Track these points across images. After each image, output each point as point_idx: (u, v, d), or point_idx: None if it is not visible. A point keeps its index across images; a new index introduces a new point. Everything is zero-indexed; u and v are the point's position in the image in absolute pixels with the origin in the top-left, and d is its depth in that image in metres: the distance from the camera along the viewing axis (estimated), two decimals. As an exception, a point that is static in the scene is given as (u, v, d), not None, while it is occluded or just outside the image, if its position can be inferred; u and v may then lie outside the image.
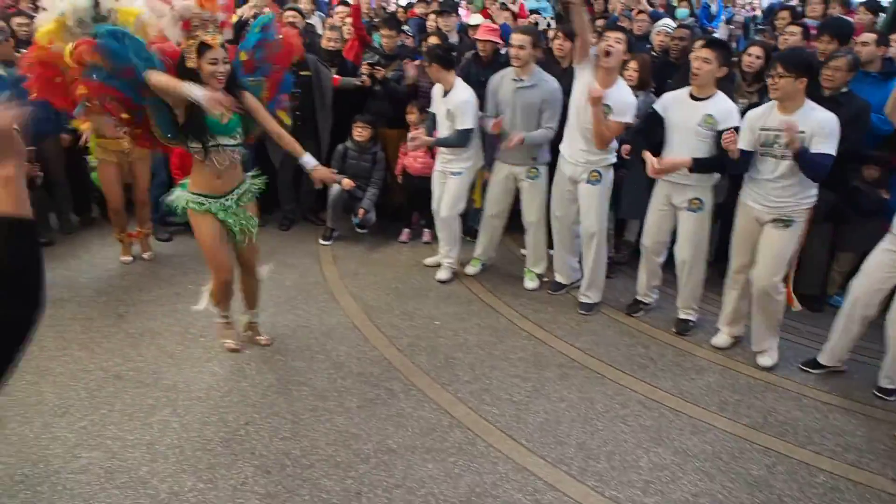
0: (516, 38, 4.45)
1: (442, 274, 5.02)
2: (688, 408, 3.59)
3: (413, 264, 5.32)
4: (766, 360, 3.98)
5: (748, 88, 4.68)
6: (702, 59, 3.85)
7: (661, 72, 5.16)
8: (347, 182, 5.21)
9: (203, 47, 3.13)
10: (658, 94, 4.67)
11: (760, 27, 9.49)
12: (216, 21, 3.20)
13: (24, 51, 5.05)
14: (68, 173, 5.66)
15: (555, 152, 4.66)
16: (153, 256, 5.27)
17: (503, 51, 5.36)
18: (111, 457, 3.06)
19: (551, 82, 4.52)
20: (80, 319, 4.26)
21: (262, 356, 3.91)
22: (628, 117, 4.20)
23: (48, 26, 4.40)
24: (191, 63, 3.14)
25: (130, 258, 5.20)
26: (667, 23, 5.92)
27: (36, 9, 5.83)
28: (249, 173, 3.67)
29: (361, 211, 5.49)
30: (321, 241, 5.66)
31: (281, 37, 3.60)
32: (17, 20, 5.79)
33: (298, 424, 3.33)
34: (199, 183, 3.44)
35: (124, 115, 3.29)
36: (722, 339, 4.19)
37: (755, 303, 3.91)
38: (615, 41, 4.09)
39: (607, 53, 4.06)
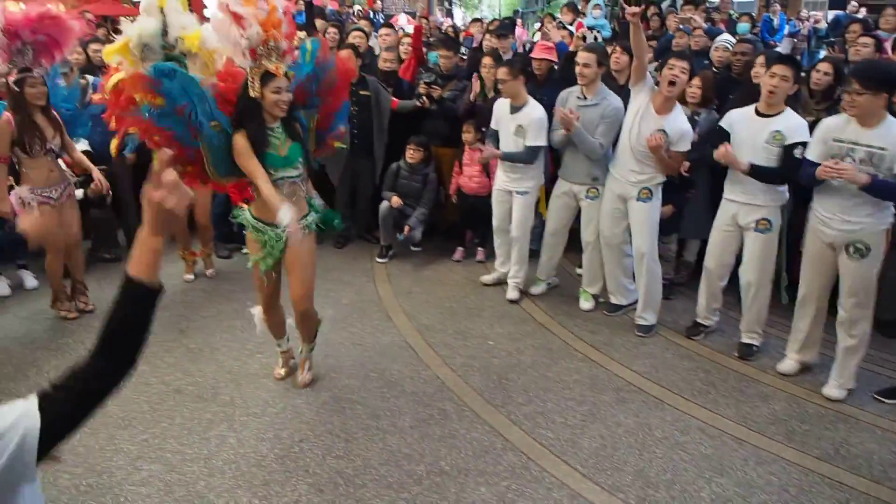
0: (581, 57, 4.42)
1: (511, 293, 4.98)
2: (752, 437, 3.44)
3: (467, 283, 5.30)
4: (836, 392, 3.75)
5: (815, 106, 4.52)
6: (780, 77, 3.73)
7: (723, 88, 5.04)
8: (396, 200, 5.35)
9: (267, 76, 3.10)
10: (719, 110, 4.58)
11: (827, 40, 9.21)
12: (280, 49, 3.15)
13: (87, 76, 5.32)
14: (135, 192, 5.88)
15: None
16: (215, 274, 5.40)
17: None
18: (170, 470, 3.13)
19: (614, 101, 4.47)
20: (144, 334, 4.39)
21: (317, 373, 3.94)
22: (686, 144, 4.17)
23: (114, 47, 4.62)
24: (254, 92, 3.12)
25: (193, 276, 5.36)
26: (726, 38, 5.79)
27: (114, 34, 6.13)
28: (316, 202, 3.60)
29: (407, 228, 5.54)
30: (377, 259, 5.71)
31: (334, 67, 3.48)
32: (93, 46, 6.09)
33: (351, 443, 3.33)
34: (260, 208, 3.36)
35: (174, 154, 3.11)
36: (789, 365, 4.00)
37: (843, 335, 3.72)
38: (681, 71, 4.03)
39: (671, 83, 4.01)
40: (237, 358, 4.12)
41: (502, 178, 4.90)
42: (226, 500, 2.95)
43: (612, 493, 3.02)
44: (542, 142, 4.63)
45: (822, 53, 8.20)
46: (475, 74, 5.60)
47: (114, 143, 4.95)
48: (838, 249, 3.61)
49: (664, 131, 4.08)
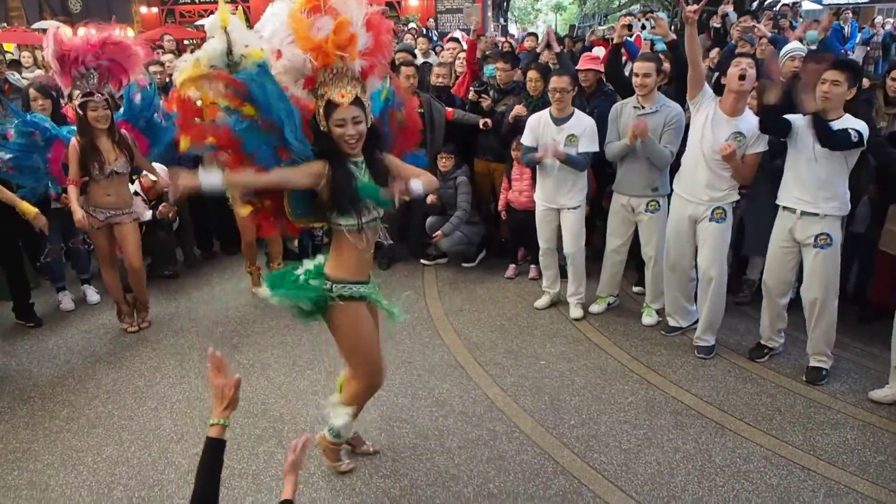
0: (641, 66, 4.32)
1: (575, 311, 4.87)
2: (821, 467, 3.23)
3: (519, 301, 5.21)
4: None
5: (888, 111, 4.32)
6: (830, 82, 3.57)
7: (791, 100, 4.82)
8: (432, 198, 5.46)
9: (329, 106, 2.56)
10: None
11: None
12: (352, 72, 2.57)
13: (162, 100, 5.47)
14: (192, 211, 6.04)
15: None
16: None
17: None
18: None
19: (675, 107, 4.38)
20: (198, 349, 4.47)
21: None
22: (763, 145, 4.00)
23: (186, 72, 4.76)
24: (322, 124, 2.60)
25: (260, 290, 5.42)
26: (796, 46, 5.55)
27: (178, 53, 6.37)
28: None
29: (439, 234, 5.52)
30: (423, 261, 5.77)
31: (404, 108, 2.98)
32: (153, 68, 6.31)
33: (398, 462, 3.28)
34: (346, 266, 2.78)
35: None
36: (885, 393, 3.75)
37: None
38: (748, 66, 3.88)
39: (742, 77, 3.87)
40: (287, 374, 4.14)
41: (547, 195, 4.78)
42: (272, 518, 2.94)
43: (670, 523, 2.87)
44: (596, 147, 4.55)
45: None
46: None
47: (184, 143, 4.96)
48: None
49: (741, 133, 3.94)
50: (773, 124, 3.81)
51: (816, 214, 3.74)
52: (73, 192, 4.38)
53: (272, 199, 2.71)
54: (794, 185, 3.81)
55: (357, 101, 2.57)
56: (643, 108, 4.37)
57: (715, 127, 4.00)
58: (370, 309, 2.97)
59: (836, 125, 3.60)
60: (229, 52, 4.98)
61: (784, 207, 3.89)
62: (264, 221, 2.79)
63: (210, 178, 2.42)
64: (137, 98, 4.67)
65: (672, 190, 4.40)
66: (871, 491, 3.05)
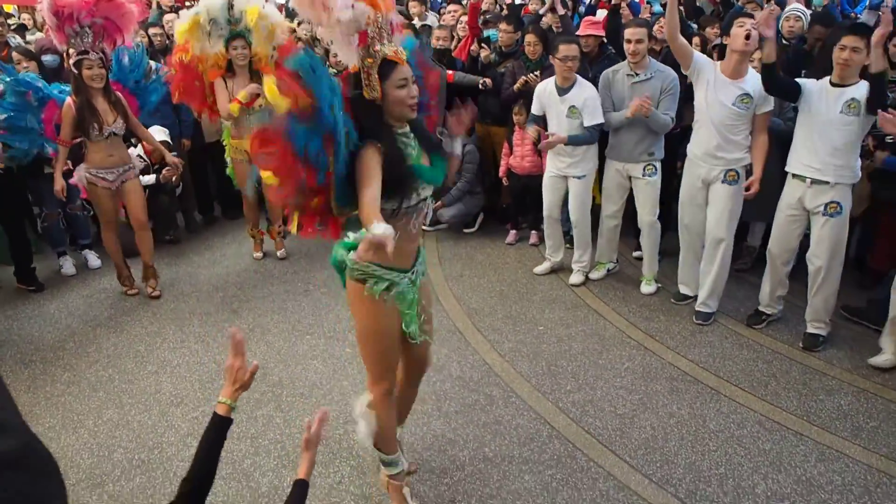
0: (634, 33, 4.24)
1: (576, 277, 4.88)
2: (814, 432, 3.26)
3: (519, 267, 5.21)
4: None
5: (892, 76, 4.23)
6: (850, 49, 3.51)
7: (795, 62, 4.75)
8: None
9: (387, 65, 2.20)
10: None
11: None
12: (389, 27, 2.25)
13: (151, 61, 5.43)
14: (193, 175, 6.02)
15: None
16: (286, 255, 5.43)
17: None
18: (218, 448, 3.18)
19: (668, 71, 4.33)
20: (198, 314, 4.50)
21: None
22: (770, 104, 3.97)
23: (184, 25, 4.72)
24: (373, 92, 2.20)
25: (261, 254, 5.44)
26: (797, 7, 5.44)
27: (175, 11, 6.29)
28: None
29: (439, 203, 5.50)
30: (423, 227, 5.71)
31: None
32: (153, 30, 6.23)
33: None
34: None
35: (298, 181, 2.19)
36: (885, 359, 3.75)
37: None
38: (753, 27, 3.80)
39: (747, 37, 3.80)
40: (287, 339, 4.17)
41: (556, 163, 4.73)
42: (270, 479, 2.98)
43: (661, 486, 2.91)
44: (601, 118, 4.47)
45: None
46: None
47: (234, 105, 4.78)
48: None
49: (748, 94, 3.89)
50: (777, 83, 3.75)
51: (827, 183, 3.71)
52: (62, 151, 4.37)
53: (320, 195, 2.28)
54: (805, 152, 3.76)
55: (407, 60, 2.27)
56: (636, 74, 4.31)
57: (719, 91, 3.94)
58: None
59: (853, 91, 3.55)
60: (230, 6, 4.94)
61: (794, 175, 3.85)
62: (309, 221, 2.39)
63: (380, 229, 1.90)
64: (126, 59, 4.63)
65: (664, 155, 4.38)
66: (862, 456, 3.08)
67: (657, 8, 6.17)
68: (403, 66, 2.22)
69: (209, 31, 4.75)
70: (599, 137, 4.61)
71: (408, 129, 2.35)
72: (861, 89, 3.55)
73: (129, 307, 4.65)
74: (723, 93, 3.94)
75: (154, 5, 7.16)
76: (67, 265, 5.21)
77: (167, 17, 6.30)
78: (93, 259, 5.34)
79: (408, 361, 2.72)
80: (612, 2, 5.08)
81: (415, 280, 2.50)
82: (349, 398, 3.52)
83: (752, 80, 3.92)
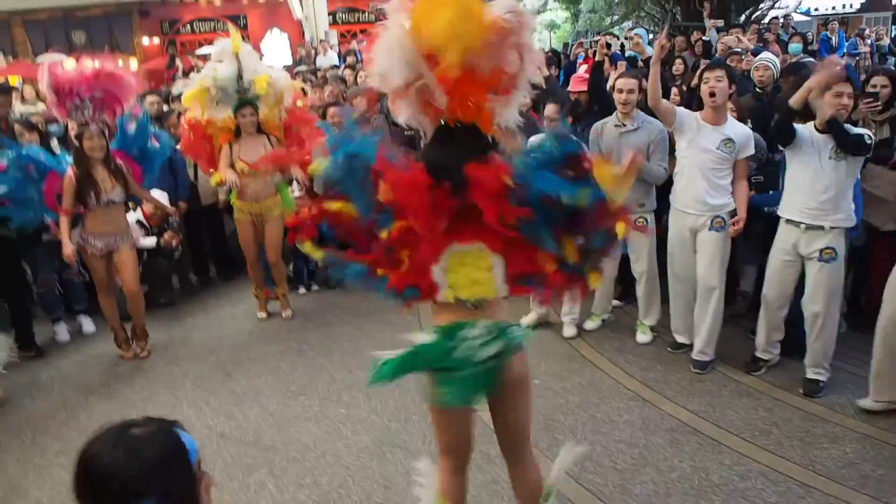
0: (625, 83, 4.34)
1: (568, 330, 4.83)
2: (820, 482, 3.17)
3: (512, 320, 5.15)
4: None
5: (874, 118, 4.33)
6: (847, 95, 3.59)
7: (767, 110, 4.84)
8: None
9: None
10: (765, 136, 4.43)
11: (890, 55, 8.85)
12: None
13: (155, 127, 5.53)
14: (188, 237, 6.05)
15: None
16: (291, 315, 5.41)
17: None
18: (209, 517, 3.10)
19: (655, 122, 4.39)
20: (192, 377, 4.45)
21: (359, 416, 3.89)
22: (751, 148, 4.03)
23: (192, 91, 4.84)
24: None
25: (265, 314, 5.43)
26: (767, 56, 5.59)
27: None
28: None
29: None
30: None
31: None
32: (150, 98, 6.38)
33: (390, 489, 3.24)
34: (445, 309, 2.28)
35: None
36: (871, 402, 3.70)
37: None
38: (716, 80, 3.91)
39: (712, 95, 3.90)
40: (280, 401, 4.11)
41: None
42: (262, 549, 2.90)
43: (665, 545, 2.82)
44: None
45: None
46: None
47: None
48: None
49: (730, 139, 3.96)
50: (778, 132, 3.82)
51: (822, 228, 3.72)
52: (64, 222, 4.41)
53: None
54: (799, 196, 3.78)
55: None
56: (624, 125, 4.39)
57: (703, 137, 4.01)
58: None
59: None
60: (240, 76, 5.09)
61: (787, 220, 3.87)
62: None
63: None
64: (132, 127, 4.71)
65: (657, 206, 4.42)
66: (870, 506, 3.00)
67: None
68: None
69: (218, 99, 4.88)
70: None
71: None
72: (850, 132, 3.60)
73: (122, 372, 4.61)
74: (707, 139, 4.00)
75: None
76: (62, 332, 5.19)
77: (149, 98, 6.37)
78: (87, 324, 5.32)
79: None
80: (595, 59, 5.20)
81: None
82: (343, 460, 3.48)
83: (733, 126, 4.01)
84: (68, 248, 4.39)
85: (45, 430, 3.93)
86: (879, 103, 4.15)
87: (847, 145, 3.57)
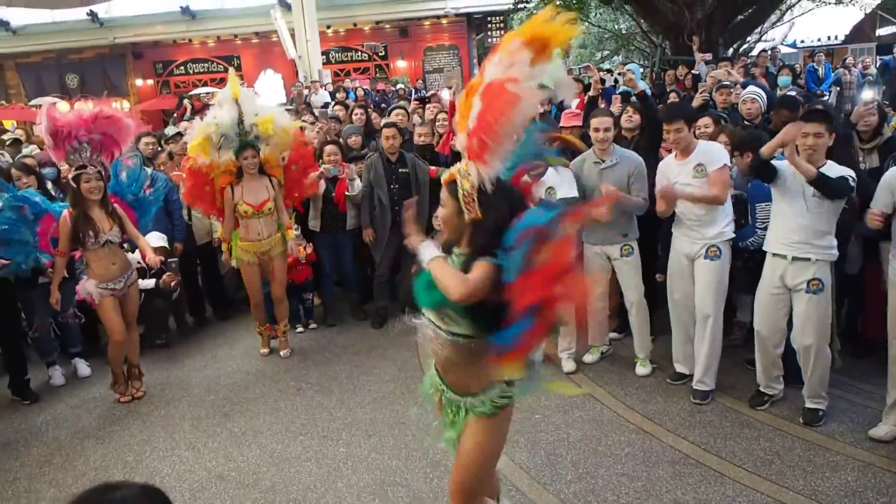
0: (601, 122, 4.43)
1: (568, 365, 4.83)
2: (824, 512, 3.16)
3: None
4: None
5: (863, 146, 4.44)
6: (813, 135, 3.65)
7: (756, 142, 4.93)
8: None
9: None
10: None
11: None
12: None
13: (148, 168, 5.58)
14: (184, 277, 6.05)
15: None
16: (289, 354, 5.40)
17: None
18: (209, 562, 3.05)
19: (633, 156, 4.53)
20: (189, 419, 4.41)
21: (359, 455, 3.86)
22: (719, 158, 4.10)
23: (196, 141, 4.90)
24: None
25: (268, 350, 5.44)
26: (753, 90, 5.72)
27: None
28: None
29: None
30: (414, 320, 5.68)
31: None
32: (145, 139, 6.44)
33: (393, 529, 3.21)
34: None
35: None
36: (884, 430, 3.70)
37: None
38: (676, 132, 4.10)
39: (677, 145, 4.17)
40: (280, 441, 4.08)
41: None
42: None
43: (672, 580, 2.79)
44: (575, 192, 4.53)
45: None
46: None
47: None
48: None
49: (699, 164, 4.09)
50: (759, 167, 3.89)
51: (808, 259, 3.76)
52: (59, 263, 4.43)
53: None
54: (784, 231, 3.83)
55: None
56: (603, 161, 4.49)
57: (680, 175, 4.17)
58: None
59: (824, 172, 3.66)
60: (240, 121, 5.17)
61: (774, 254, 3.92)
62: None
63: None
64: (123, 175, 4.77)
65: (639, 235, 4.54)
66: (875, 536, 2.98)
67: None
68: None
69: (220, 145, 4.94)
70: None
71: None
72: (831, 170, 3.65)
73: (118, 415, 4.56)
74: (682, 175, 4.14)
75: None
76: (57, 376, 5.14)
77: (144, 139, 6.43)
78: (83, 367, 5.28)
79: None
80: (590, 95, 5.31)
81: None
82: (344, 500, 3.45)
83: (697, 151, 4.15)
84: (54, 297, 4.49)
85: (40, 476, 3.88)
86: None
87: (831, 196, 3.65)
